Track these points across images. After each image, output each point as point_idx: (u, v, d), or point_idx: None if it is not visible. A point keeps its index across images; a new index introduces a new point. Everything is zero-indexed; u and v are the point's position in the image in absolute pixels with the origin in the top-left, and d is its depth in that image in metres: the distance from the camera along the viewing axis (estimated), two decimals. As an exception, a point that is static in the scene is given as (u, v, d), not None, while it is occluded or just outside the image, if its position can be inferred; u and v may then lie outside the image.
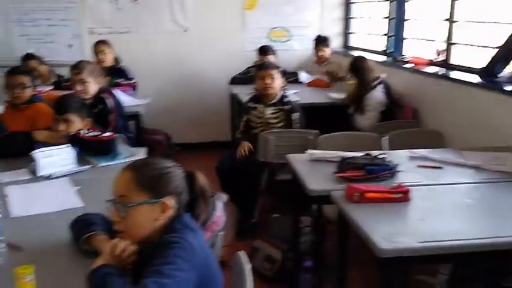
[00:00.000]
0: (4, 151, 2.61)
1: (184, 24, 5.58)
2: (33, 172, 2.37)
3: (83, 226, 1.59)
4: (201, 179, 1.57)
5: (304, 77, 5.04)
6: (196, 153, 5.06)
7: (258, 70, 3.78)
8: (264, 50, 4.99)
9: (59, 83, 4.75)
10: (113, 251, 1.39)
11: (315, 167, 2.45)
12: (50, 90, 4.31)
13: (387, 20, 4.74)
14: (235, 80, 5.08)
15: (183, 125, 5.58)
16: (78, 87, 3.29)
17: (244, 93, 4.31)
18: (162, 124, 4.78)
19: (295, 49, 5.74)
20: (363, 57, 4.14)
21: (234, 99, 5.10)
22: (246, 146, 3.61)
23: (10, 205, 2.00)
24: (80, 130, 2.62)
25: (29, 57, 4.76)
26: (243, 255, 1.63)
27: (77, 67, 3.38)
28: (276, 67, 3.74)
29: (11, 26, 5.34)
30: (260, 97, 3.75)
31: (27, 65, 4.53)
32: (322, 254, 2.52)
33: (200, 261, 1.38)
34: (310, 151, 2.61)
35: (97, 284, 1.30)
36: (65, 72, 4.97)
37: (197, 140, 5.65)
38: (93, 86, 3.32)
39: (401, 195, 1.98)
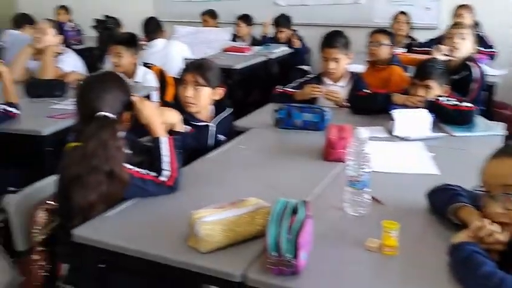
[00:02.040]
0: (364, 107, 2.79)
1: None
2: (389, 131, 2.47)
3: (449, 196, 1.55)
4: None
5: None
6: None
7: None
8: None
9: (410, 46, 4.80)
10: (479, 231, 1.32)
11: None
12: (403, 53, 4.37)
13: None
14: None
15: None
16: (456, 40, 3.30)
17: None
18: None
19: None
20: None
21: None
22: None
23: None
24: (438, 96, 2.59)
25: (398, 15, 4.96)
26: None
27: (458, 24, 3.54)
28: None
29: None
30: None
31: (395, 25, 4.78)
32: None
33: None
34: None
35: (462, 259, 1.26)
36: (419, 35, 4.99)
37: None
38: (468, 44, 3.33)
39: None
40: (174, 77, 3.87)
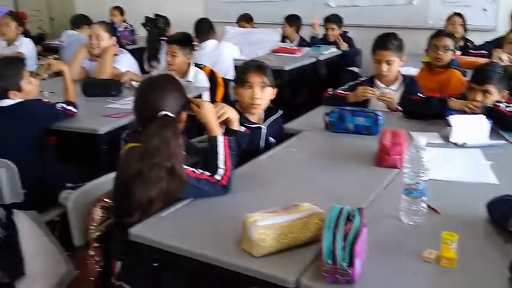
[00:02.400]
0: (418, 112, 2.71)
1: None
2: (445, 137, 2.39)
3: (509, 207, 1.49)
4: None
5: None
6: None
7: None
8: None
9: (465, 48, 4.65)
10: None
11: None
12: (459, 55, 4.25)
13: None
14: None
15: None
16: None
17: None
18: None
19: None
20: None
21: None
22: None
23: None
24: (497, 102, 2.49)
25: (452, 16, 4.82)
26: None
27: None
28: None
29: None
30: None
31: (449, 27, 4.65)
32: None
33: None
34: None
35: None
36: (474, 37, 4.83)
37: None
38: None
39: None
40: (224, 78, 3.90)
